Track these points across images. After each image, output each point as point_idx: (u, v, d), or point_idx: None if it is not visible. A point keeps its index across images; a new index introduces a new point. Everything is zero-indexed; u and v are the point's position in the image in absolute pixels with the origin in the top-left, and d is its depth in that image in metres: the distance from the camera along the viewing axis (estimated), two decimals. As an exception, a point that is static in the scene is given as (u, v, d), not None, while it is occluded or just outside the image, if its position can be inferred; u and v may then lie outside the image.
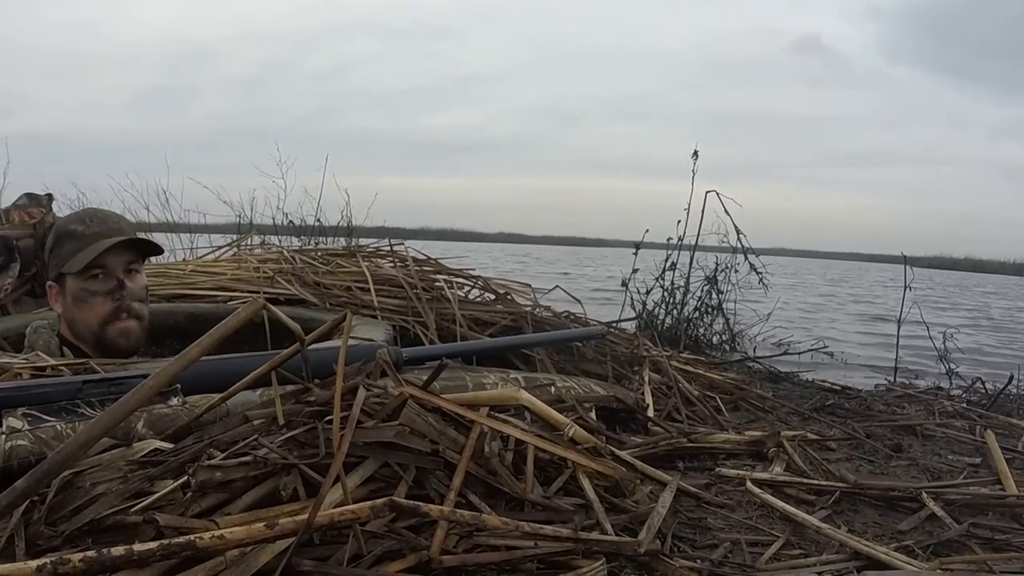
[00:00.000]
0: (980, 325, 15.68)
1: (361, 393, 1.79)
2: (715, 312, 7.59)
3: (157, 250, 3.10)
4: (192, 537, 1.35)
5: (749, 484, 2.56)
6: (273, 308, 1.86)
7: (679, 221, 7.31)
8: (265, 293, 4.13)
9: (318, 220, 8.16)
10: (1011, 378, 5.52)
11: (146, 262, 3.12)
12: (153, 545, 1.32)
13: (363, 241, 6.07)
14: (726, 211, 7.09)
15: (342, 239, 7.66)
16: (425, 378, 2.03)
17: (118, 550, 1.29)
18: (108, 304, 2.86)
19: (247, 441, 1.71)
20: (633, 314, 7.14)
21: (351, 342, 2.55)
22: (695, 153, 7.42)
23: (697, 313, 7.53)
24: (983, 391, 5.78)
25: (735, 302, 7.71)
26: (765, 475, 2.72)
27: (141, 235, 3.11)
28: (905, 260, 7.63)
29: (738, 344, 7.57)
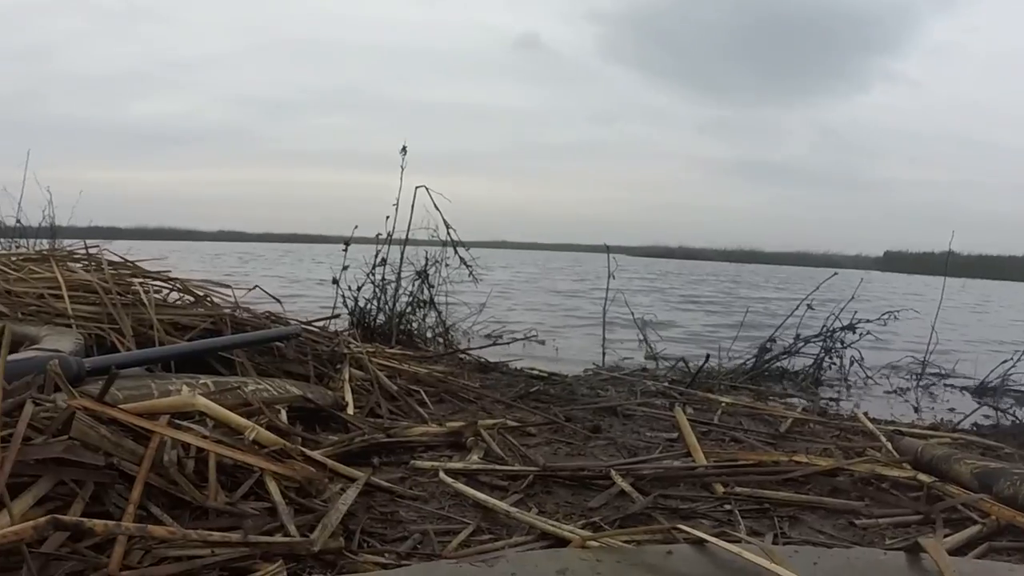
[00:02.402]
0: (688, 307, 16.41)
1: (28, 407, 1.75)
2: (427, 306, 7.62)
3: None
4: None
5: (442, 474, 2.62)
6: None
7: (387, 216, 7.32)
8: (-52, 304, 3.92)
9: (18, 221, 7.75)
10: (707, 357, 5.85)
11: None
12: None
13: (67, 243, 5.83)
14: (436, 206, 7.14)
15: (45, 242, 7.30)
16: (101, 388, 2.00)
17: None
18: None
19: None
20: (345, 311, 7.11)
21: (28, 355, 2.47)
22: (403, 148, 7.43)
23: (409, 308, 7.54)
24: (686, 370, 6.09)
25: (447, 295, 7.77)
26: (459, 465, 2.80)
27: None
28: (608, 249, 7.98)
29: (451, 337, 7.63)
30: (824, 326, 6.85)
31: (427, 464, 2.79)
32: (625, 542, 1.88)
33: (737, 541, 1.87)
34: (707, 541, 1.78)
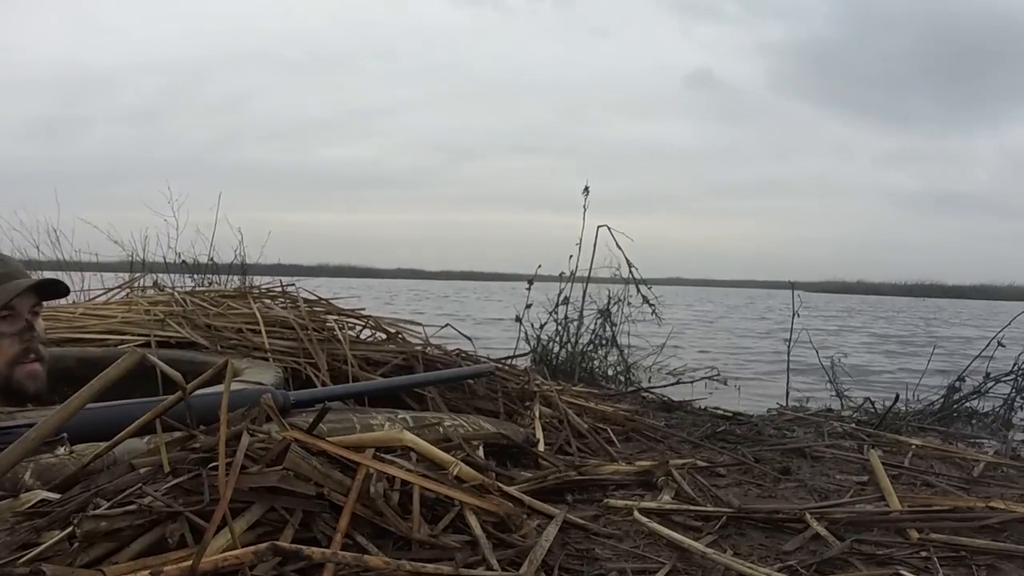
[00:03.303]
0: (872, 345, 16.03)
1: (245, 438, 1.81)
2: (609, 344, 7.64)
3: (65, 291, 3.11)
4: (78, 589, 1.36)
5: (637, 514, 2.60)
6: (153, 358, 1.87)
7: (571, 256, 7.38)
8: (155, 336, 4.09)
9: (211, 259, 8.07)
10: (897, 397, 5.67)
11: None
12: (39, 597, 1.33)
13: (258, 280, 6.04)
14: (618, 245, 7.18)
15: (236, 278, 7.58)
16: (311, 421, 2.06)
17: (5, 603, 1.30)
18: (16, 346, 2.84)
19: (132, 490, 1.71)
20: (527, 348, 7.18)
21: (238, 387, 2.57)
22: (586, 189, 7.50)
23: (591, 346, 7.57)
24: (872, 411, 5.92)
25: (629, 333, 7.77)
26: (653, 504, 2.77)
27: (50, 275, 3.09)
28: (792, 286, 7.83)
29: (633, 375, 7.63)
30: (1016, 364, 6.55)
31: (620, 503, 2.77)
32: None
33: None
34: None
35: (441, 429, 2.84)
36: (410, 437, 2.17)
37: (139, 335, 4.15)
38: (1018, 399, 6.50)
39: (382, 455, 2.05)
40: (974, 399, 6.47)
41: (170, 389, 2.00)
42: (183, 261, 8.14)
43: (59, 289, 3.05)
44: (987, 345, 6.80)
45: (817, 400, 7.07)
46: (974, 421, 6.33)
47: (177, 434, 2.02)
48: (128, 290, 5.54)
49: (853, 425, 5.11)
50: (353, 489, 1.89)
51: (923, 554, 2.42)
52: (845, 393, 7.07)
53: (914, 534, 2.56)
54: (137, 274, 6.34)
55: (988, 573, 2.33)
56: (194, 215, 8.35)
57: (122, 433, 1.95)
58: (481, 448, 2.91)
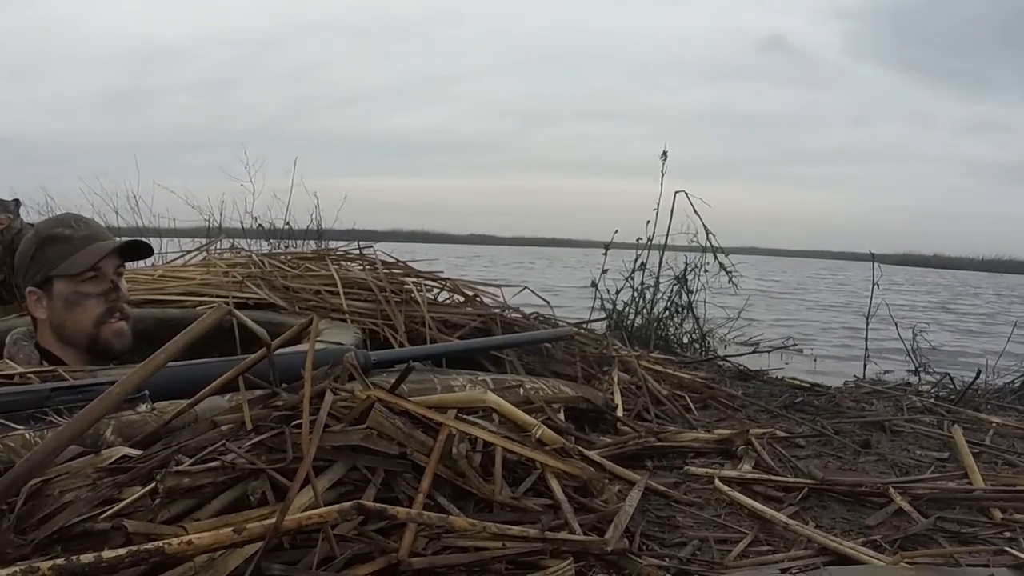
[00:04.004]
0: (948, 323, 15.80)
1: (328, 397, 1.80)
2: (685, 312, 7.60)
3: (148, 252, 3.19)
4: (161, 543, 1.35)
5: (717, 482, 2.57)
6: (238, 313, 1.87)
7: (648, 221, 7.33)
8: (234, 297, 4.12)
9: (287, 223, 8.12)
10: (978, 373, 5.57)
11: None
12: (122, 552, 1.32)
13: (333, 244, 6.06)
14: (695, 211, 7.12)
15: (312, 242, 7.62)
16: (393, 381, 2.04)
17: (87, 557, 1.29)
18: (102, 305, 2.91)
19: (215, 447, 1.71)
20: (603, 314, 7.15)
21: (319, 346, 2.56)
22: (664, 153, 7.45)
23: (667, 313, 7.53)
24: (951, 387, 5.82)
25: (705, 302, 7.72)
26: (733, 473, 2.73)
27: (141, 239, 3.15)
28: (873, 258, 7.70)
29: (708, 343, 7.58)
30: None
31: (701, 470, 2.74)
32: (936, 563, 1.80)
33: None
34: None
35: (521, 391, 2.82)
36: (493, 398, 2.15)
37: (217, 296, 4.17)
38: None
39: (464, 416, 2.04)
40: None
41: (251, 348, 2.00)
42: (259, 226, 8.20)
43: (142, 250, 3.11)
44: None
45: (894, 374, 6.96)
46: (1055, 400, 6.19)
47: (259, 392, 2.01)
48: (206, 253, 5.58)
49: (932, 400, 5.03)
50: (435, 449, 1.88)
51: (1007, 534, 2.36)
52: (925, 368, 6.97)
53: (998, 514, 2.49)
54: (213, 238, 6.39)
55: (1071, 556, 2.27)
56: (270, 181, 8.41)
57: (205, 390, 1.95)
58: (562, 411, 2.89)
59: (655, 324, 7.31)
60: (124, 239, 2.90)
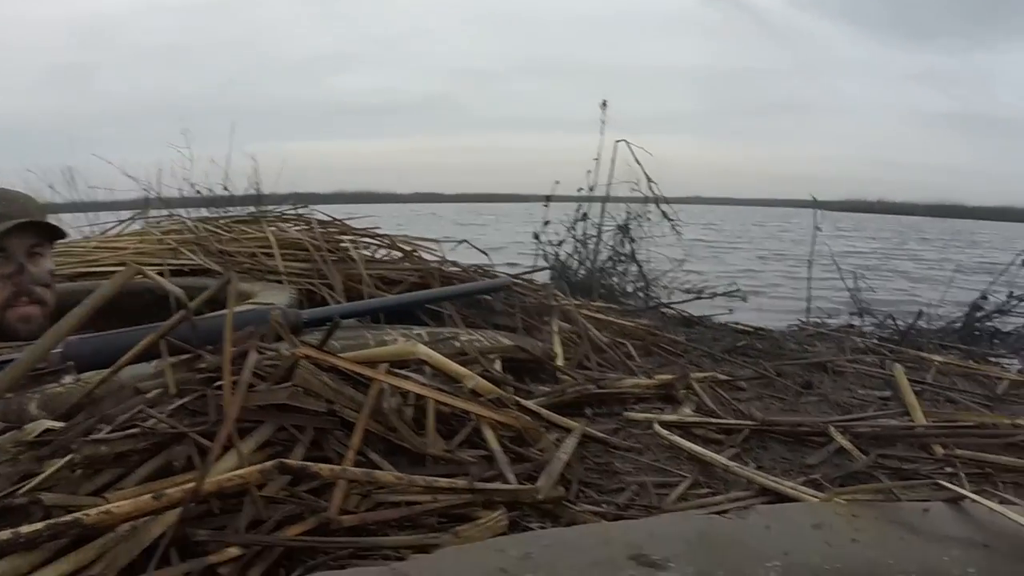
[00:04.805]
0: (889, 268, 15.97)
1: (252, 355, 1.76)
2: (628, 260, 7.60)
3: (60, 234, 3.02)
4: (79, 515, 1.32)
5: (657, 427, 2.55)
6: (151, 274, 1.83)
7: (589, 171, 7.32)
8: (168, 264, 4.06)
9: (226, 189, 8.03)
10: (919, 313, 5.64)
11: (54, 245, 3.03)
12: (39, 526, 1.29)
13: (271, 207, 6.01)
14: (636, 160, 7.10)
15: (252, 208, 7.55)
16: (322, 337, 2.01)
17: (4, 534, 1.26)
18: (7, 288, 2.77)
19: (134, 412, 1.67)
20: (546, 265, 7.15)
21: (248, 308, 2.52)
22: (603, 103, 7.42)
23: (610, 262, 7.54)
24: (894, 327, 5.89)
25: (648, 251, 7.73)
26: (673, 417, 2.73)
27: (51, 219, 3.02)
28: (815, 203, 7.77)
29: (652, 291, 7.59)
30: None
31: (640, 416, 2.73)
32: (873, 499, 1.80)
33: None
34: (967, 498, 1.69)
35: (457, 343, 2.80)
36: (424, 350, 2.12)
37: (152, 264, 4.11)
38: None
39: (396, 370, 2.01)
40: (997, 318, 6.41)
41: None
42: (197, 192, 8.11)
43: (53, 231, 2.97)
44: (1010, 264, 6.74)
45: (838, 317, 7.04)
46: (997, 340, 6.27)
47: (183, 356, 1.97)
48: (142, 222, 5.51)
49: (875, 341, 5.09)
50: (366, 405, 1.85)
51: (948, 470, 2.37)
52: (867, 310, 7.04)
53: (939, 449, 2.51)
54: (150, 207, 6.30)
55: (1014, 490, 2.28)
56: (209, 147, 8.31)
57: (125, 356, 1.90)
58: (498, 362, 2.87)
59: (598, 274, 7.31)
60: (18, 220, 2.76)
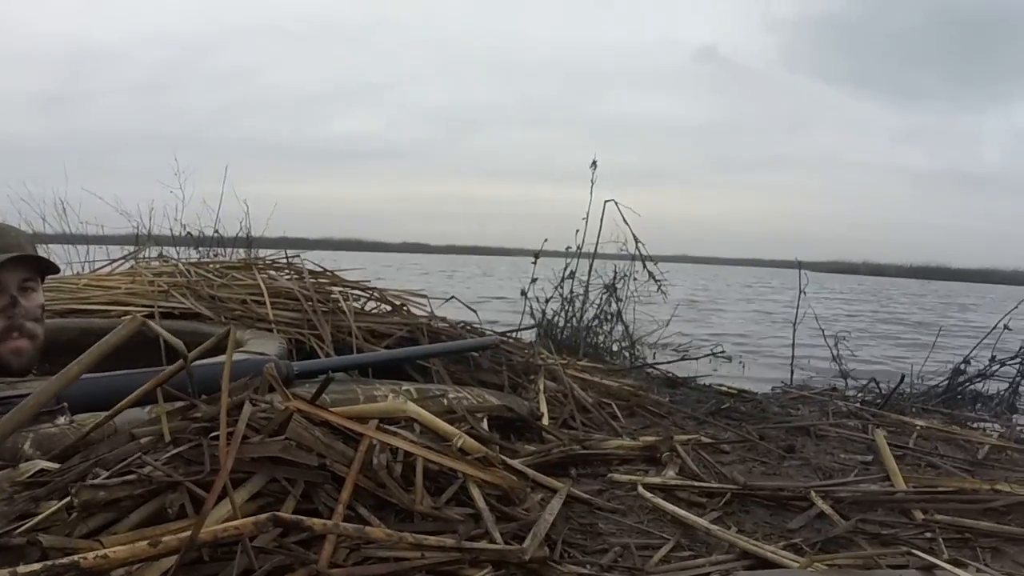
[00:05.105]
0: (876, 331, 16.00)
1: (247, 408, 1.79)
2: (614, 319, 7.63)
3: (52, 269, 3.02)
4: (76, 558, 1.34)
5: (641, 489, 2.59)
6: (153, 325, 1.85)
7: (577, 230, 7.36)
8: (159, 307, 4.07)
9: (216, 231, 8.03)
10: (903, 378, 5.65)
11: (44, 280, 3.03)
12: (37, 567, 1.31)
13: (262, 252, 6.02)
14: (624, 220, 7.14)
15: (241, 251, 7.55)
16: (314, 391, 2.04)
17: (2, 573, 1.28)
18: (1, 322, 2.79)
19: (131, 459, 1.70)
20: (533, 323, 7.16)
21: (241, 357, 2.55)
22: (594, 163, 7.47)
23: (596, 321, 7.56)
24: (877, 391, 5.91)
25: (634, 310, 7.76)
26: (657, 479, 2.76)
27: (41, 252, 3.02)
28: (799, 265, 7.80)
29: (638, 351, 7.61)
30: (1021, 347, 6.51)
31: (624, 478, 2.76)
32: (848, 566, 1.84)
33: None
34: (939, 568, 1.73)
35: (445, 401, 2.83)
36: (413, 408, 2.16)
37: (143, 306, 4.12)
38: (1023, 382, 6.45)
39: (385, 426, 2.04)
40: (979, 382, 6.44)
41: (173, 359, 1.98)
42: (188, 233, 8.11)
43: (44, 266, 2.97)
44: (992, 328, 6.77)
45: (822, 380, 7.06)
46: (979, 404, 6.28)
47: (178, 404, 2.00)
48: (133, 261, 5.52)
49: (858, 405, 5.11)
50: (356, 460, 1.88)
51: (928, 535, 2.41)
52: (850, 374, 7.07)
53: (919, 515, 2.55)
54: (141, 246, 6.31)
55: (992, 555, 2.31)
56: (200, 187, 8.31)
57: (123, 402, 1.93)
58: (485, 421, 2.90)
59: (584, 332, 7.33)
60: (11, 254, 2.76)
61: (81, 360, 1.63)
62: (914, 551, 1.92)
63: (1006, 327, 6.70)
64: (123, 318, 3.95)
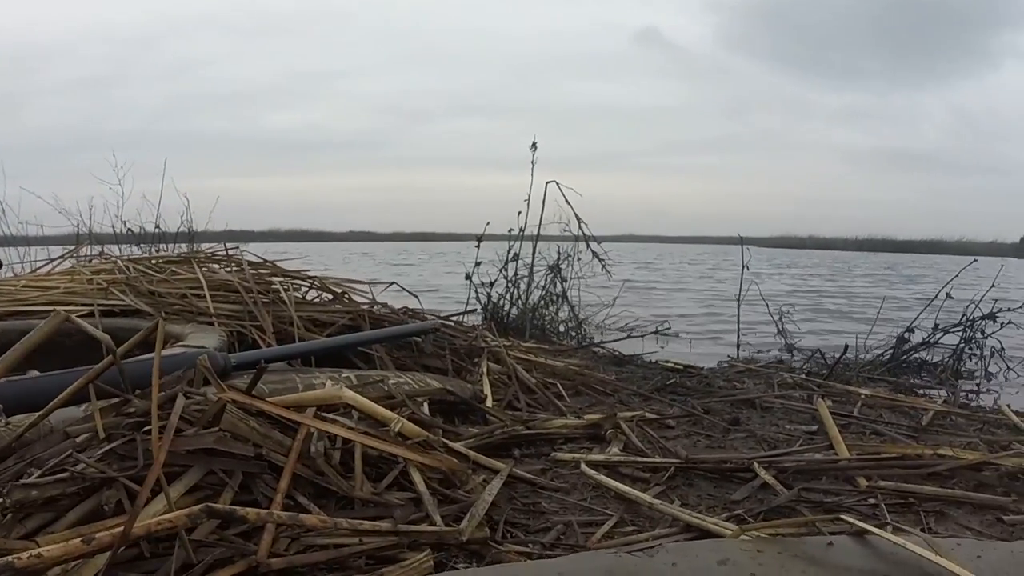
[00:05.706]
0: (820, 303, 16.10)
1: (180, 401, 1.78)
2: (560, 300, 7.62)
3: None
4: (10, 558, 1.33)
5: (584, 466, 2.60)
6: (78, 320, 1.83)
7: (519, 212, 7.34)
8: (99, 305, 4.02)
9: (158, 227, 7.93)
10: (846, 348, 5.70)
11: None
12: (-31, 570, 1.30)
13: (204, 246, 5.97)
14: (567, 200, 7.13)
15: (184, 246, 7.46)
16: (250, 382, 2.03)
17: (-65, 578, 1.27)
18: None
19: (63, 457, 1.68)
20: (477, 306, 7.14)
21: (177, 351, 2.53)
22: (534, 144, 7.45)
23: (542, 302, 7.55)
24: (822, 362, 5.95)
25: (579, 290, 7.75)
26: (600, 456, 2.77)
27: None
28: (742, 241, 7.84)
29: (584, 330, 7.61)
30: (964, 315, 6.56)
31: (568, 456, 2.77)
32: (784, 534, 1.85)
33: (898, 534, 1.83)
34: (870, 532, 1.75)
35: (385, 386, 2.82)
36: (350, 394, 2.15)
37: (82, 304, 4.07)
38: (966, 349, 6.51)
39: (323, 414, 2.04)
40: (923, 350, 6.49)
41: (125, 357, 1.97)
42: (129, 230, 8.00)
43: None
44: (934, 297, 6.81)
45: (768, 353, 7.10)
46: (924, 372, 6.34)
47: (113, 400, 1.98)
48: (72, 260, 5.45)
49: (803, 376, 5.15)
50: (293, 449, 1.87)
51: (871, 501, 2.44)
52: (796, 347, 7.11)
53: (863, 481, 2.57)
54: (81, 244, 6.22)
55: (936, 519, 2.34)
56: (140, 183, 8.19)
57: (54, 401, 1.91)
58: (426, 405, 2.90)
59: (530, 313, 7.32)
60: None
61: (3, 359, 1.61)
62: (842, 516, 1.93)
63: (948, 295, 6.75)
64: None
